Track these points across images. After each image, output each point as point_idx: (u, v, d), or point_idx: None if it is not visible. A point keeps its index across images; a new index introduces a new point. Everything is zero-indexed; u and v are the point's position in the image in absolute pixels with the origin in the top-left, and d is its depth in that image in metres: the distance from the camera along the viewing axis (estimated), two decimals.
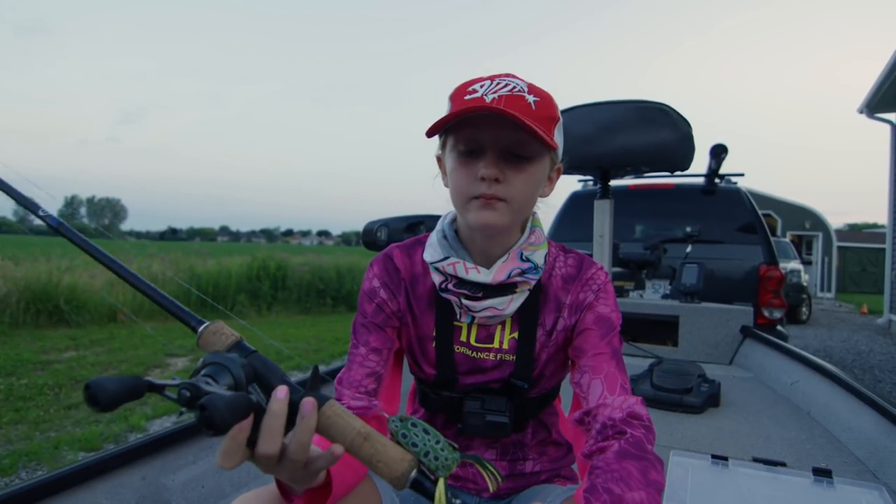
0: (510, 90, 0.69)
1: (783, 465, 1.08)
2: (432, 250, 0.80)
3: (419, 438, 0.52)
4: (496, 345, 0.81)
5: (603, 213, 1.59)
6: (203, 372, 0.47)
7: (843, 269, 18.34)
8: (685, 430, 1.83)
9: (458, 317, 0.80)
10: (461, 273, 0.76)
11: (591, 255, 1.66)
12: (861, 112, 8.32)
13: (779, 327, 3.36)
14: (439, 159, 0.80)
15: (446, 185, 0.78)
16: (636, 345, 3.10)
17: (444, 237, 0.81)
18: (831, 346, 7.01)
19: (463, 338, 0.82)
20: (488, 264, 0.77)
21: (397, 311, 0.84)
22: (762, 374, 2.54)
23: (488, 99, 0.68)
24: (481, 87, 0.70)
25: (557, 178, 0.81)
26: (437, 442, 0.52)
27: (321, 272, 9.58)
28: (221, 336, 0.52)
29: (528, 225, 0.81)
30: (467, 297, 0.77)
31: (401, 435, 0.52)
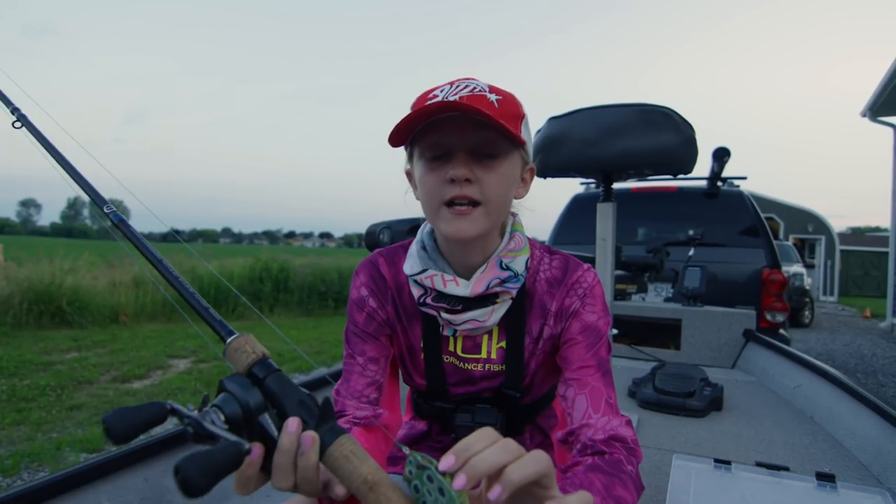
0: (471, 91, 0.68)
1: (786, 469, 1.08)
2: (412, 262, 0.78)
3: (431, 499, 0.45)
4: (483, 355, 0.79)
5: (606, 216, 1.58)
6: (214, 402, 0.46)
7: (846, 273, 18.28)
8: (688, 434, 1.83)
9: (441, 329, 0.79)
10: (439, 286, 0.73)
11: (593, 258, 1.67)
12: (864, 115, 8.31)
13: (781, 331, 3.36)
14: (408, 174, 0.78)
15: (418, 199, 0.75)
16: (638, 348, 3.10)
17: (424, 248, 0.78)
18: (834, 350, 6.99)
19: (451, 348, 0.80)
20: (468, 274, 0.74)
21: (387, 319, 0.82)
22: (765, 377, 2.54)
23: (449, 100, 0.66)
24: (441, 91, 0.69)
25: (531, 178, 0.79)
26: None
27: (323, 274, 9.58)
28: (244, 354, 0.50)
29: (508, 230, 0.78)
30: (447, 311, 0.74)
31: (413, 487, 0.46)
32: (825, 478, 1.03)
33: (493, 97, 0.68)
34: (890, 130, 8.54)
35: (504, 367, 0.79)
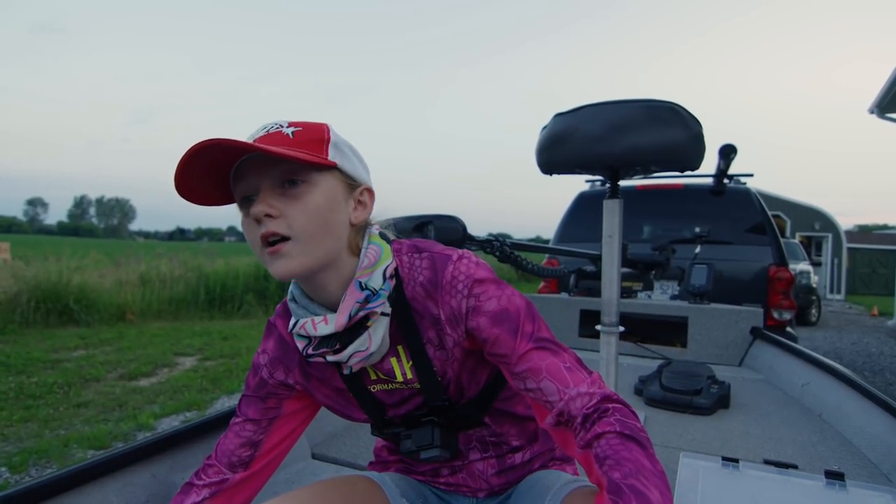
0: (266, 131, 0.67)
1: (794, 467, 1.07)
2: (290, 317, 0.74)
3: None
4: (399, 378, 0.77)
5: (612, 213, 1.57)
6: None
7: (853, 271, 18.18)
8: (695, 432, 1.82)
9: (343, 370, 0.76)
10: (311, 331, 0.70)
11: (599, 255, 1.66)
12: (872, 112, 8.24)
13: (788, 329, 3.34)
14: None
15: None
16: (644, 346, 3.09)
17: (293, 299, 0.74)
18: (841, 349, 6.95)
19: (373, 377, 0.78)
20: (337, 307, 0.70)
21: (293, 384, 0.81)
22: (772, 375, 2.52)
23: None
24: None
25: (371, 200, 0.74)
26: None
27: None
28: None
29: (365, 245, 0.73)
30: (331, 353, 0.71)
31: None
32: (834, 476, 1.02)
33: (289, 130, 0.67)
34: None
35: (420, 384, 0.77)
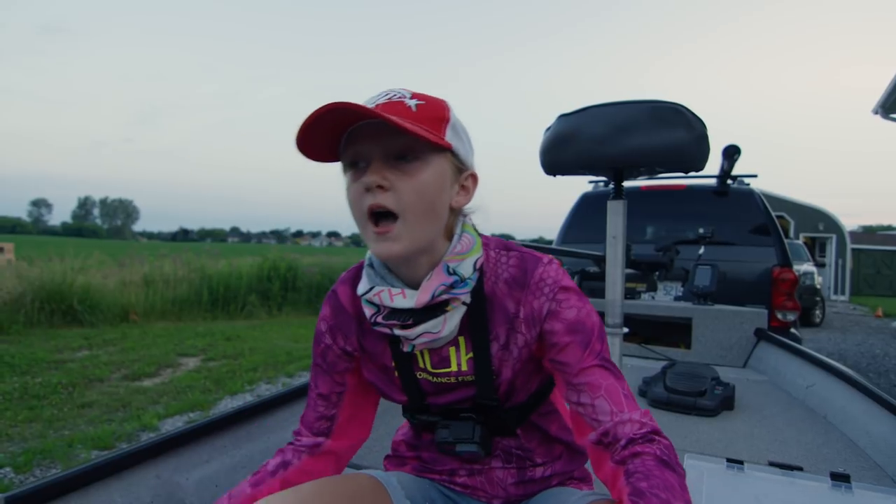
0: (388, 98, 0.66)
1: (800, 469, 1.06)
2: (362, 282, 0.74)
3: None
4: (454, 368, 0.76)
5: (616, 213, 1.57)
6: None
7: (857, 272, 18.12)
8: (699, 434, 1.82)
9: (402, 347, 0.75)
10: (387, 301, 0.70)
11: (603, 256, 1.65)
12: (876, 113, 8.21)
13: (792, 330, 3.33)
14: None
15: None
16: (649, 347, 3.08)
17: (371, 265, 0.75)
18: (845, 350, 6.92)
19: (421, 364, 0.78)
20: (418, 286, 0.71)
21: (344, 352, 0.82)
22: (777, 377, 2.52)
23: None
24: (368, 102, 0.68)
25: (474, 186, 0.75)
26: None
27: (331, 273, 9.60)
28: None
29: (458, 231, 0.74)
30: (399, 327, 0.71)
31: None
32: (840, 478, 1.01)
33: (412, 102, 0.66)
34: None
35: (474, 378, 0.76)
